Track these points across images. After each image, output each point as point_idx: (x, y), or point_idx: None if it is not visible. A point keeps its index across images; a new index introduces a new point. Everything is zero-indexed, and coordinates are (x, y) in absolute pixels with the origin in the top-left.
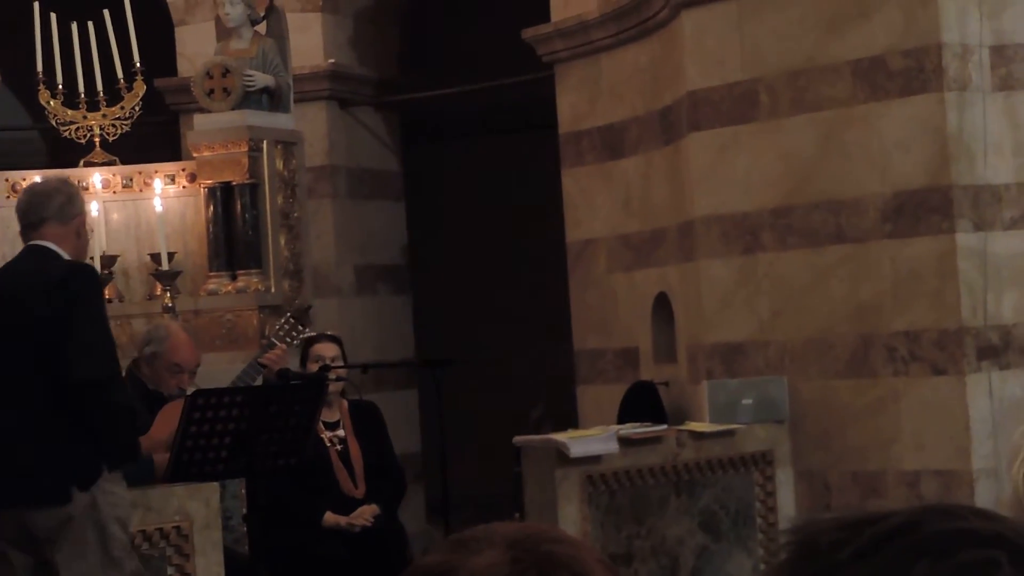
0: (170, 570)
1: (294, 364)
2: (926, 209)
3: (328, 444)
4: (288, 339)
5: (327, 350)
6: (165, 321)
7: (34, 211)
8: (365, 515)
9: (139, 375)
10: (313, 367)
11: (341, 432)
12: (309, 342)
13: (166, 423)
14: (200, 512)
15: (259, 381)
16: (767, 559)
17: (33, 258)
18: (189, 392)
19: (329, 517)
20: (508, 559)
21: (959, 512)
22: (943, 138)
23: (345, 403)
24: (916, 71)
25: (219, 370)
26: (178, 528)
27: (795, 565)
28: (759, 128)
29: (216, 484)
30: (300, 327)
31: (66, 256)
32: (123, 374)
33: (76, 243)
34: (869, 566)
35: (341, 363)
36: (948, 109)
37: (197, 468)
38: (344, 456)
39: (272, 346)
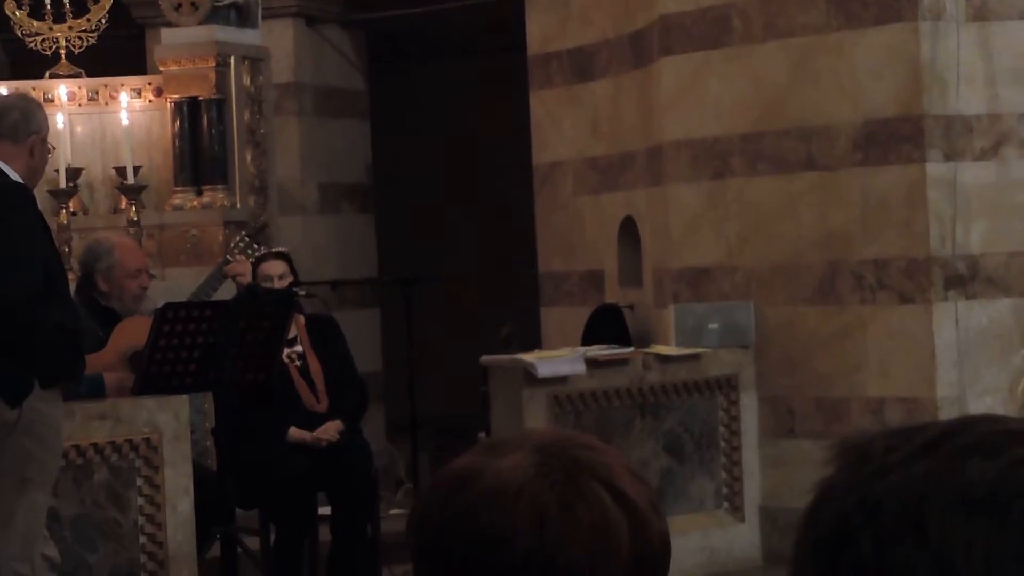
0: (139, 481)
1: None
2: (897, 138)
3: (287, 360)
4: (243, 256)
5: (274, 268)
6: (102, 234)
7: None
8: (330, 431)
9: (92, 293)
10: (266, 285)
11: (299, 348)
12: (258, 261)
13: (123, 339)
14: (170, 424)
15: (219, 294)
16: (729, 482)
17: None
18: (152, 303)
19: (294, 432)
20: (535, 462)
21: (1002, 418)
22: (916, 67)
23: (302, 318)
24: (890, 0)
25: (184, 285)
26: (147, 440)
27: (850, 470)
28: (731, 53)
29: (185, 397)
30: (256, 245)
31: (13, 175)
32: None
33: (28, 162)
34: (923, 465)
35: (290, 280)
36: (922, 39)
37: (166, 381)
38: (304, 371)
39: (221, 276)
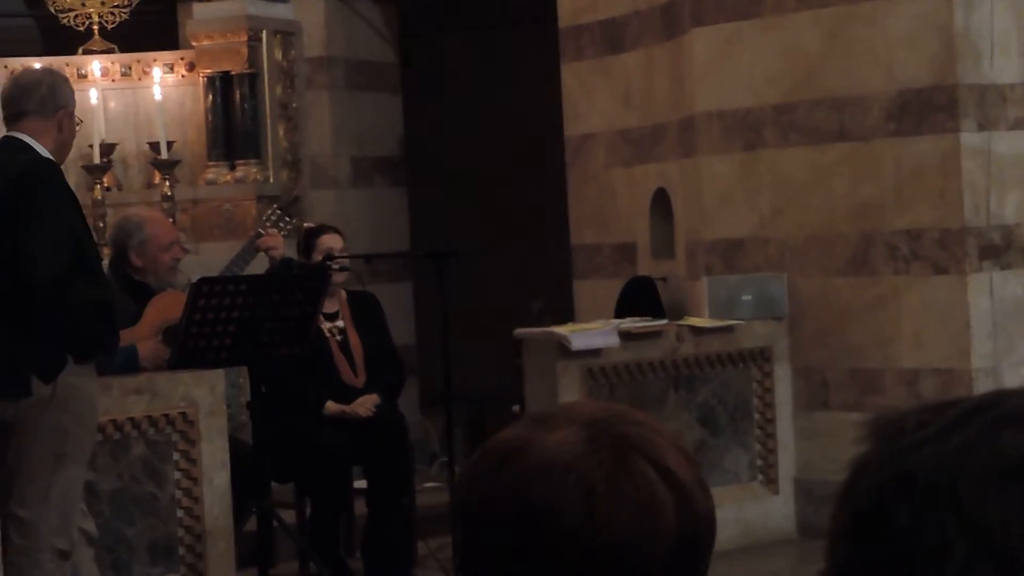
0: (176, 455)
1: (294, 255)
2: (931, 108)
3: (328, 335)
4: (275, 230)
5: (335, 241)
6: (130, 211)
7: (15, 103)
8: (367, 404)
9: (125, 269)
10: (319, 258)
11: (340, 323)
12: (313, 233)
13: (157, 313)
14: (206, 399)
15: (250, 268)
16: (763, 454)
17: (5, 151)
18: (185, 278)
19: (331, 406)
20: (583, 438)
21: None
22: (949, 36)
23: (344, 293)
24: None
25: (217, 259)
26: (184, 414)
27: (884, 444)
28: (763, 24)
29: (221, 371)
30: (288, 217)
31: (42, 151)
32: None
33: (57, 137)
34: (958, 438)
35: (344, 254)
36: (955, 7)
37: (201, 355)
38: (344, 346)
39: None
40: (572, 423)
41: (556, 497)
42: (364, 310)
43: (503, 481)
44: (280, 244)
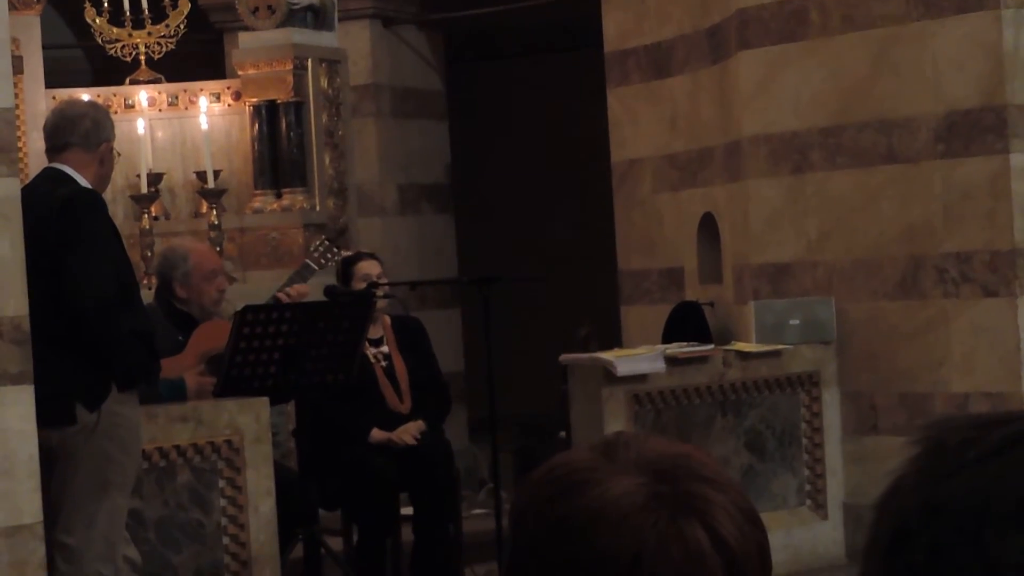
0: (221, 483)
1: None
2: (980, 129)
3: (373, 361)
4: (323, 261)
5: (372, 267)
6: (175, 241)
7: (59, 134)
8: (412, 431)
9: (169, 299)
10: (360, 285)
11: (385, 348)
12: (351, 260)
13: (202, 342)
14: (251, 426)
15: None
16: (811, 479)
17: (48, 182)
18: (231, 307)
19: (376, 433)
20: (645, 492)
21: None
22: (998, 56)
23: (388, 319)
24: None
25: (264, 287)
26: (229, 442)
27: (923, 463)
28: (809, 46)
29: (266, 399)
30: (335, 249)
31: (83, 182)
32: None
33: (98, 170)
34: (995, 467)
35: (386, 280)
36: (1004, 26)
37: (247, 383)
38: (389, 372)
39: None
40: (639, 470)
41: (603, 547)
42: (409, 336)
43: (556, 514)
44: (307, 294)
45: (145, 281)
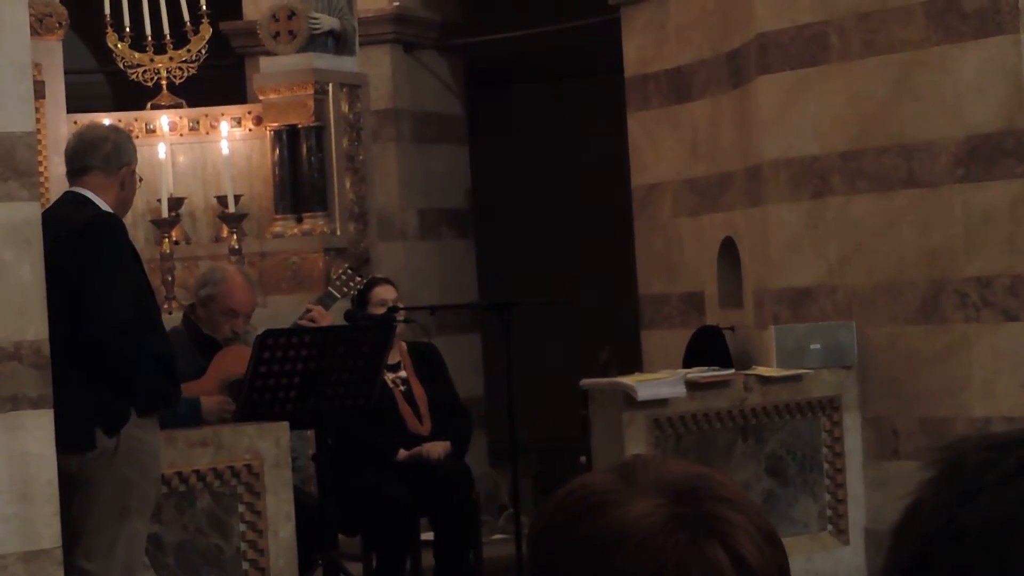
0: (241, 508)
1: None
2: (1000, 153)
3: (392, 385)
4: (346, 289)
5: (388, 292)
6: (223, 264)
7: (80, 158)
8: (438, 448)
9: (194, 318)
10: (378, 310)
11: (403, 373)
12: (367, 286)
13: (222, 367)
14: (270, 451)
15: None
16: (833, 504)
17: (68, 206)
18: (254, 333)
19: (403, 453)
20: (665, 514)
21: None
22: (1018, 81)
23: (404, 345)
24: (991, 12)
25: (285, 312)
26: (249, 467)
27: (941, 486)
28: (829, 71)
29: (286, 423)
30: (358, 277)
31: (104, 206)
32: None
33: (119, 194)
34: (1015, 490)
35: (402, 305)
36: None
37: (267, 408)
38: (408, 396)
39: (326, 303)
40: (659, 491)
41: (623, 569)
42: (426, 362)
43: (576, 537)
44: (328, 320)
45: (166, 306)
